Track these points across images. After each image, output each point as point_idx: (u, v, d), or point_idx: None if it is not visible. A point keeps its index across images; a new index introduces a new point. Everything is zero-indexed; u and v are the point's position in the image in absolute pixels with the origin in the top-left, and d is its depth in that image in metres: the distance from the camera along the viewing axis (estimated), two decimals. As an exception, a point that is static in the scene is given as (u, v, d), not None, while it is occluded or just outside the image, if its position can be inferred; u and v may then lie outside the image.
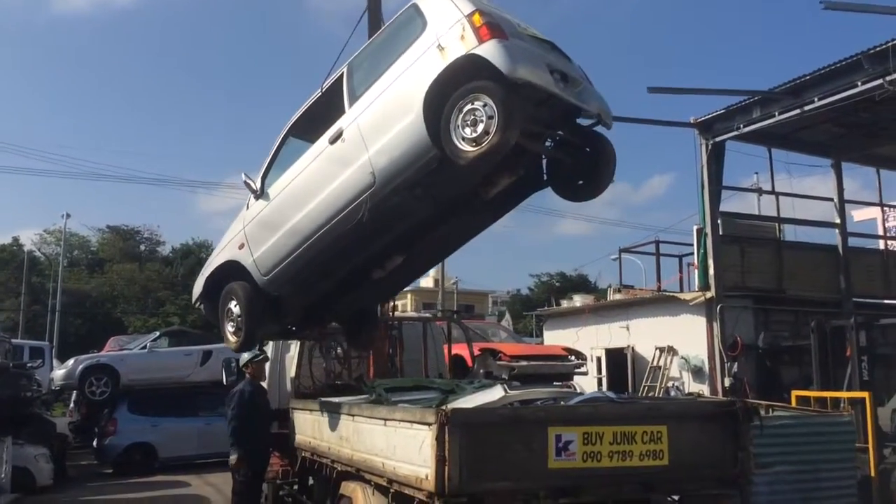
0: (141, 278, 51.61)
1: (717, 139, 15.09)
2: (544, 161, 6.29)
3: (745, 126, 14.38)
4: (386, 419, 5.51)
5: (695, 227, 15.77)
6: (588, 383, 17.49)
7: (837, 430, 8.61)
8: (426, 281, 48.73)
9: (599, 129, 5.87)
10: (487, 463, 4.76)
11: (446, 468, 4.60)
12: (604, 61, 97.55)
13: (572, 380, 13.29)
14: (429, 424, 4.72)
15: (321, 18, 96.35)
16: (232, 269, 7.17)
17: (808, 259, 16.54)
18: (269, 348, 9.71)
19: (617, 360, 17.29)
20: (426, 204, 6.15)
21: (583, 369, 13.10)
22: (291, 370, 9.14)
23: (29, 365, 17.77)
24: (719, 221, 15.35)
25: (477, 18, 5.11)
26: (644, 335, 16.64)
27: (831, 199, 17.17)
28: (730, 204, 16.70)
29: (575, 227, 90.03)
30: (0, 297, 49.68)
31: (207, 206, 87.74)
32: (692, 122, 15.20)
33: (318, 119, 6.53)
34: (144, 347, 18.59)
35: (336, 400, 7.14)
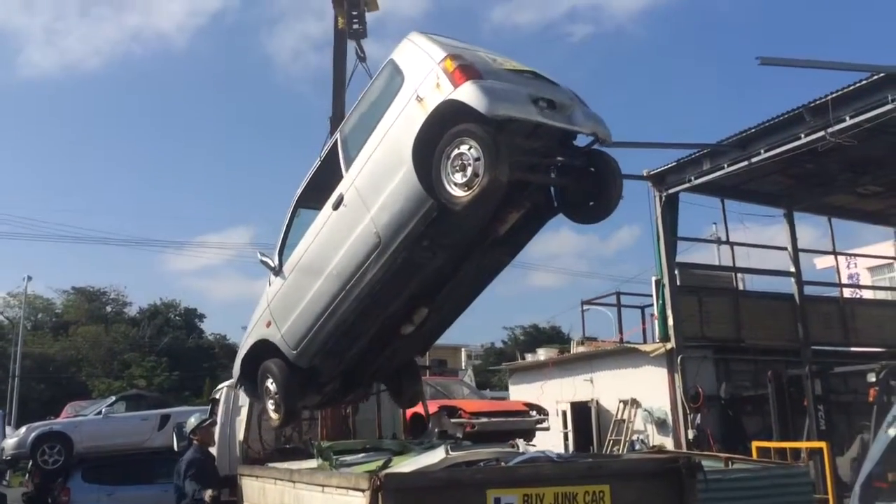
0: (107, 340, 50.50)
1: (671, 191, 15.35)
2: (553, 189, 6.24)
3: (696, 178, 14.68)
4: (324, 486, 5.36)
5: (653, 279, 15.90)
6: (554, 438, 17.34)
7: (795, 482, 8.55)
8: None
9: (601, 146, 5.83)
10: (424, 530, 4.63)
11: (380, 537, 4.46)
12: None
13: (534, 436, 13.11)
14: (363, 491, 4.59)
15: (290, 81, 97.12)
16: (264, 348, 7.19)
17: (766, 308, 16.70)
18: (220, 411, 9.47)
19: (582, 413, 17.16)
20: (437, 254, 6.10)
21: (544, 424, 12.95)
22: (240, 434, 8.89)
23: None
24: (676, 272, 15.50)
25: (449, 64, 5.17)
26: (608, 388, 16.58)
27: (785, 249, 17.43)
28: (691, 255, 16.92)
29: (547, 280, 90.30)
30: (-39, 363, 48.28)
31: (176, 265, 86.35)
32: (645, 174, 15.45)
33: (322, 187, 6.58)
34: (99, 413, 18.05)
35: (281, 466, 6.95)
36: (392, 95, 5.73)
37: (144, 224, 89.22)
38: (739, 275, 17.68)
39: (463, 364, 58.92)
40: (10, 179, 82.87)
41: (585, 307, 19.43)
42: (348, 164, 6.20)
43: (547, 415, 13.13)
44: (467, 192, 5.07)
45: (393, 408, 9.49)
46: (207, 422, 8.60)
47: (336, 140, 6.55)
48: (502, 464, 5.20)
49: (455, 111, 5.13)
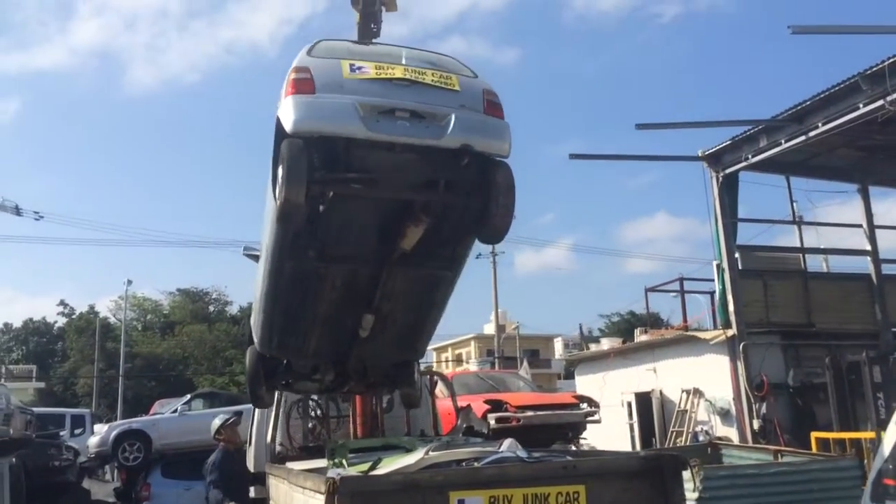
0: (210, 338, 52.56)
1: (728, 171, 14.67)
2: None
3: (752, 156, 13.96)
4: (303, 487, 5.39)
5: (714, 263, 15.26)
6: (618, 430, 16.95)
7: (841, 475, 8.05)
8: (489, 327, 48.16)
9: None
10: (382, 533, 4.57)
11: (336, 540, 4.43)
12: (596, 100, 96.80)
13: (584, 429, 12.83)
14: (321, 493, 4.58)
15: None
16: None
17: (839, 290, 15.78)
18: (256, 409, 9.70)
19: (647, 404, 16.69)
20: (330, 266, 6.05)
21: (595, 417, 12.61)
22: (269, 432, 9.05)
23: (63, 434, 18.17)
24: (737, 255, 14.82)
25: (291, 76, 5.11)
26: (671, 377, 16.04)
27: (860, 226, 16.40)
28: (767, 238, 16.19)
29: (644, 266, 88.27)
30: (77, 364, 51.34)
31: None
32: (700, 155, 14.83)
33: None
34: (175, 411, 18.81)
35: (293, 465, 7.03)
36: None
37: (241, 227, 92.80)
38: (816, 257, 16.80)
39: (557, 353, 58.39)
40: (116, 190, 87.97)
41: (645, 295, 18.85)
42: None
43: (598, 407, 12.78)
44: (278, 207, 5.08)
45: (425, 404, 9.47)
46: (231, 421, 8.78)
47: None
48: (474, 464, 5.08)
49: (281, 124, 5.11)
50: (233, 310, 59.62)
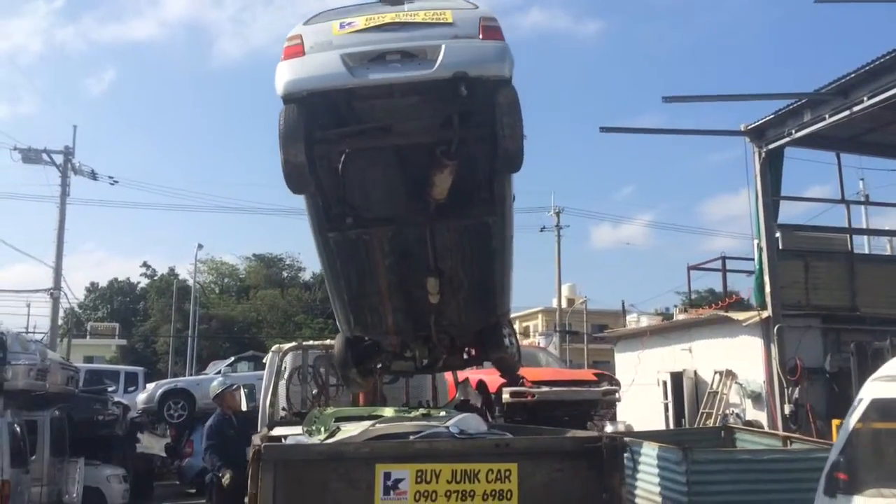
0: (282, 303, 53.91)
1: (772, 146, 14.05)
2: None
3: (796, 131, 13.33)
4: (254, 452, 5.49)
5: (755, 242, 14.69)
6: (653, 410, 16.69)
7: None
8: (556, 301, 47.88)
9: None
10: (305, 502, 4.64)
11: (257, 506, 4.53)
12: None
13: (606, 407, 12.67)
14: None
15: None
16: None
17: (889, 273, 15.00)
18: (265, 374, 9.91)
19: (681, 383, 16.33)
20: (371, 230, 6.08)
21: (615, 396, 12.43)
22: (268, 397, 9.24)
23: (111, 389, 19.01)
24: (778, 235, 14.25)
25: (284, 44, 5.16)
26: (706, 358, 15.65)
27: (916, 206, 15.55)
28: (823, 219, 15.44)
29: (725, 244, 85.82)
30: (157, 323, 53.57)
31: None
32: (742, 129, 14.25)
33: None
34: (219, 372, 19.43)
35: (276, 431, 7.17)
36: None
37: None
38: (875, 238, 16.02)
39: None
40: (197, 158, 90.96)
41: (687, 273, 18.34)
42: None
43: (619, 386, 12.59)
44: None
45: (422, 376, 9.50)
46: (232, 387, 9.00)
47: None
48: (411, 437, 5.08)
49: None
50: (305, 276, 60.81)
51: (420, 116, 5.34)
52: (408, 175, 5.70)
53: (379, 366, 7.70)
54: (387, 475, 4.70)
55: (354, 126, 5.31)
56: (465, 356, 7.74)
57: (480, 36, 5.10)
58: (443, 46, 4.94)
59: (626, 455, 5.34)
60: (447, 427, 5.11)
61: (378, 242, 6.17)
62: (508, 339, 7.51)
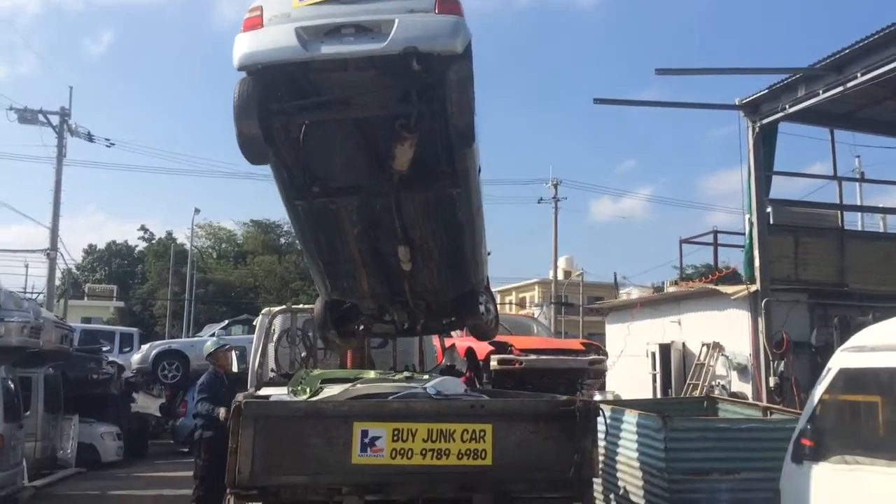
0: (280, 269, 53.96)
1: (765, 121, 14.07)
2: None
3: (790, 106, 13.34)
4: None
5: (746, 217, 14.77)
6: (641, 381, 16.92)
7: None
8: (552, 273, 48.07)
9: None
10: (284, 457, 4.76)
11: (236, 460, 4.66)
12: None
13: (594, 377, 12.83)
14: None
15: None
16: None
17: (879, 250, 15.11)
18: (255, 336, 10.04)
19: (670, 355, 16.54)
20: (336, 199, 6.12)
21: (601, 366, 12.58)
22: (257, 359, 9.38)
23: (105, 349, 19.23)
24: (769, 210, 14.33)
25: (244, 16, 5.15)
26: (695, 331, 15.82)
27: (908, 184, 15.61)
28: (820, 196, 15.46)
29: (725, 219, 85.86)
30: (155, 286, 53.62)
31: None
32: (737, 103, 14.26)
33: None
34: (213, 334, 19.62)
35: (262, 391, 7.30)
36: None
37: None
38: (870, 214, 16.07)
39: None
40: (195, 122, 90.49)
41: (679, 247, 18.45)
42: None
43: (606, 356, 12.75)
44: None
45: (409, 340, 9.64)
46: (220, 346, 9.13)
47: None
48: (390, 398, 5.20)
49: None
50: (301, 243, 60.71)
51: (377, 90, 5.32)
52: (370, 146, 5.71)
53: (361, 328, 7.82)
54: (364, 433, 4.83)
55: (314, 98, 5.31)
56: (445, 321, 7.82)
57: (436, 10, 5.01)
58: (396, 20, 4.88)
59: (600, 420, 5.46)
60: (424, 388, 5.24)
61: (346, 212, 6.21)
62: (485, 306, 7.63)
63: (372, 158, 5.79)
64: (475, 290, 7.44)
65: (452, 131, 5.04)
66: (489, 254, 7.96)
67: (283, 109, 5.31)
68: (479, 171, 6.25)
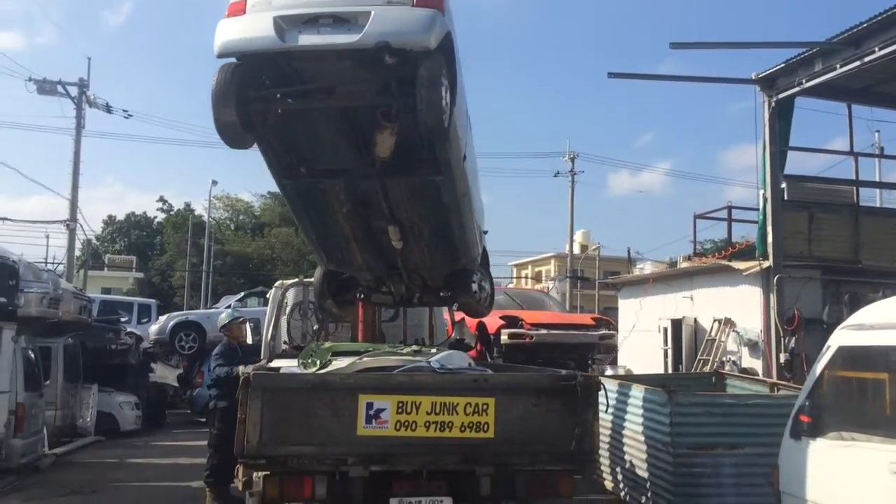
0: (297, 242, 54.13)
1: (782, 95, 13.93)
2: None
3: (807, 81, 13.19)
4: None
5: (760, 193, 14.69)
6: (654, 356, 16.96)
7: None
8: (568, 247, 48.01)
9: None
10: (291, 428, 4.91)
11: (245, 430, 4.81)
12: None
13: (605, 351, 12.93)
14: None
15: None
16: None
17: (892, 227, 14.97)
18: (268, 309, 10.19)
19: (682, 330, 16.56)
20: (322, 180, 6.21)
21: (611, 341, 12.69)
22: (269, 331, 9.54)
23: (123, 320, 19.56)
24: (784, 185, 14.24)
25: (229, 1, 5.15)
26: (707, 306, 15.79)
27: (926, 160, 15.42)
28: (838, 172, 15.32)
29: (743, 193, 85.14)
30: (174, 257, 54.19)
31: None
32: (753, 77, 14.11)
33: None
34: (229, 306, 19.86)
35: (274, 363, 7.45)
36: None
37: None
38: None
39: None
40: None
41: (693, 222, 18.37)
42: None
43: (616, 331, 12.83)
44: None
45: (418, 313, 9.76)
46: (238, 319, 9.29)
47: None
48: (395, 371, 5.32)
49: None
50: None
51: (357, 80, 5.29)
52: (354, 131, 5.73)
53: (360, 296, 8.00)
54: (369, 405, 4.97)
55: (295, 86, 5.30)
56: (442, 293, 7.87)
57: (413, 2, 4.95)
58: (372, 12, 4.82)
59: (602, 394, 5.55)
60: (429, 362, 5.35)
61: (333, 192, 6.29)
62: (479, 284, 7.74)
63: (356, 143, 5.82)
64: (468, 269, 7.56)
65: (422, 127, 5.00)
66: (486, 232, 8.09)
67: (261, 96, 5.28)
68: (465, 158, 6.26)
